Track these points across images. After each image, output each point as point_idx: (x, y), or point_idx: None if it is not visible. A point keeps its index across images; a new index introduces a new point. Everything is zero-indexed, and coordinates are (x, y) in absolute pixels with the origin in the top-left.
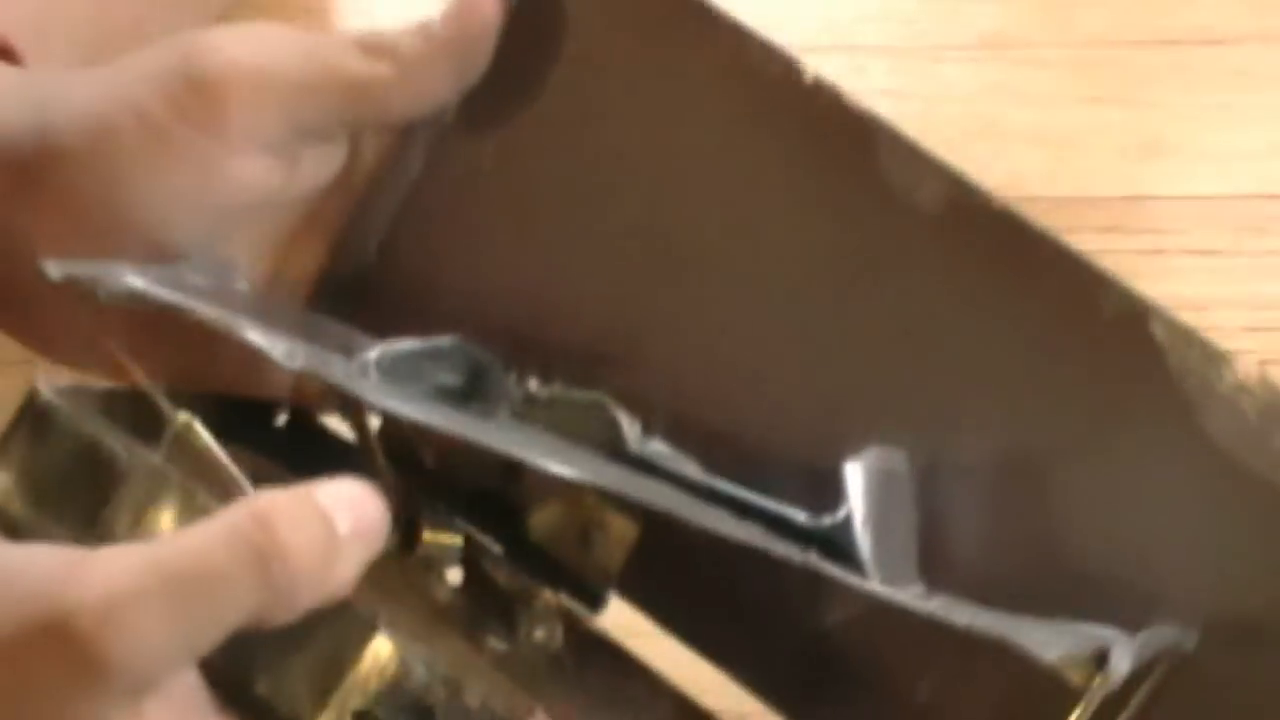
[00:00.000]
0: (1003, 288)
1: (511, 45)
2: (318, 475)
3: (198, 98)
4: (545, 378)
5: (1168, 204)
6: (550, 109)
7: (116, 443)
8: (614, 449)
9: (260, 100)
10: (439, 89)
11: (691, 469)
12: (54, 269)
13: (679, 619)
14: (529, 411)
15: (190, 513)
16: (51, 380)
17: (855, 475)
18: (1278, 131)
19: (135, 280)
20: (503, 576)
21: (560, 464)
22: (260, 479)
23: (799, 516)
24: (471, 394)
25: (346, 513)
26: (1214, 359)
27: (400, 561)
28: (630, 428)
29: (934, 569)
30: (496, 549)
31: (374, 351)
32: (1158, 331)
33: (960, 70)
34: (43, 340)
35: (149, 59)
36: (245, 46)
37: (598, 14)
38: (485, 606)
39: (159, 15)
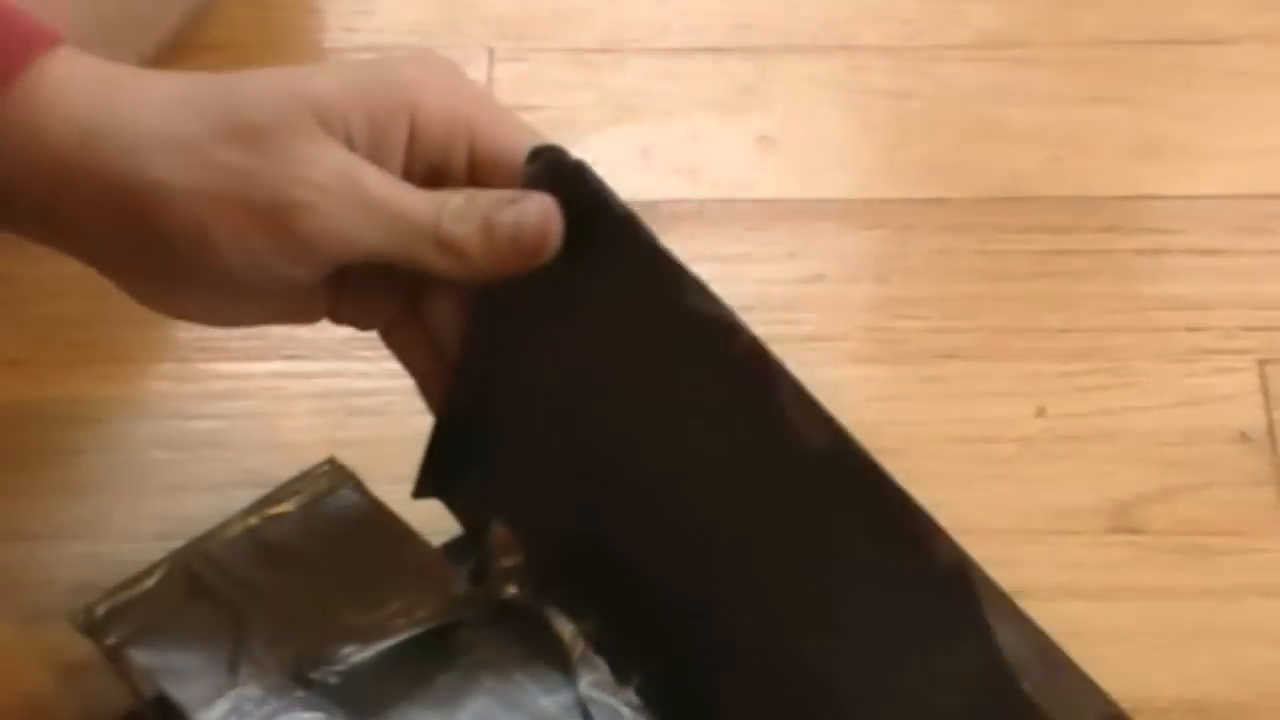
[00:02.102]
0: (861, 523)
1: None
2: None
3: (285, 230)
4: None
5: (1168, 204)
6: (538, 322)
7: None
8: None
9: (334, 255)
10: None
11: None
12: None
13: None
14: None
15: None
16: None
17: None
18: (1278, 131)
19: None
20: None
21: None
22: None
23: None
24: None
25: None
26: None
27: None
28: (572, 640)
29: None
30: None
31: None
32: (977, 583)
33: (960, 70)
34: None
35: (249, 157)
36: (336, 199)
37: (581, 245)
38: None
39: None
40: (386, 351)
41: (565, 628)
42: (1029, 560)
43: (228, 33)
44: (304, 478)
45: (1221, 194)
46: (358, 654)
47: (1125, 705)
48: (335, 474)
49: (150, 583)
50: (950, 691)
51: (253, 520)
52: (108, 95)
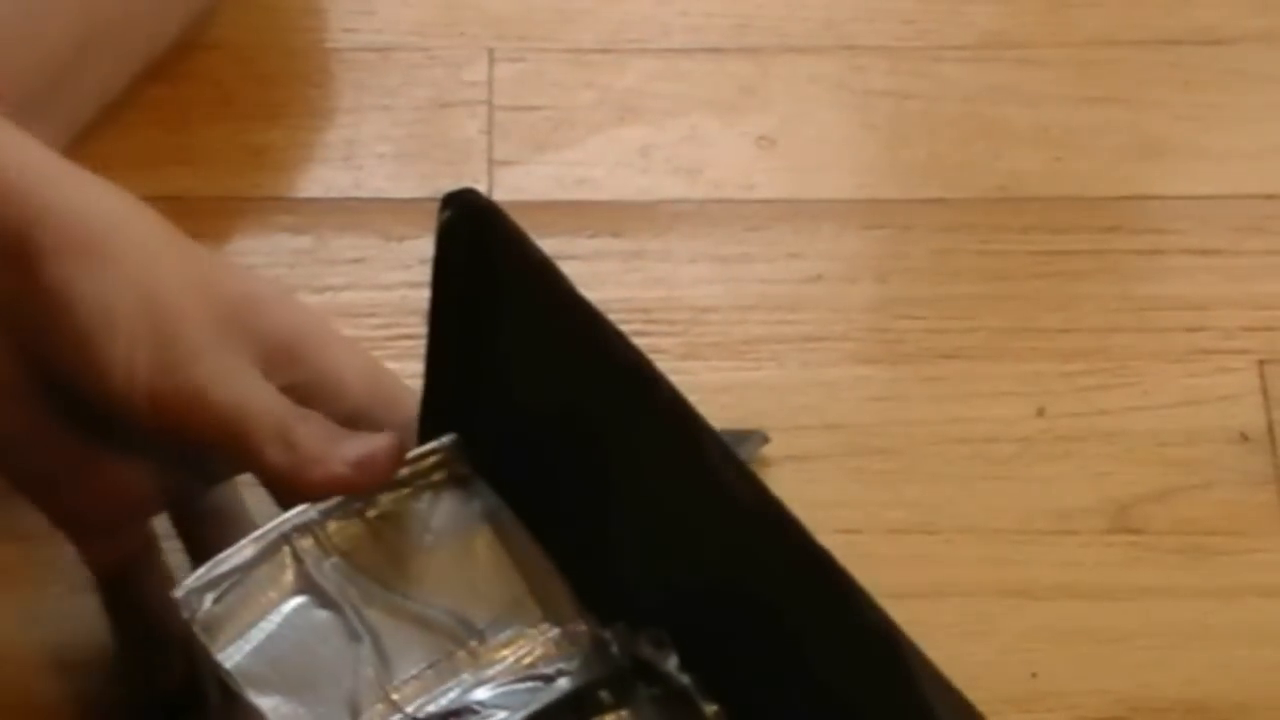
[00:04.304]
0: (791, 581)
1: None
2: None
3: (176, 363)
4: None
5: (1168, 204)
6: (478, 362)
7: None
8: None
9: (182, 429)
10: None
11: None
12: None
13: None
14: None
15: None
16: None
17: None
18: (1278, 131)
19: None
20: None
21: None
22: None
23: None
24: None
25: None
26: None
27: None
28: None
29: None
30: None
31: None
32: (905, 648)
33: (960, 70)
34: None
35: (144, 307)
36: (216, 379)
37: (499, 289)
38: None
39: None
40: (390, 352)
41: (709, 708)
42: (1029, 560)
43: (229, 33)
44: (422, 458)
45: (1221, 194)
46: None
47: (1124, 705)
48: (455, 460)
49: (255, 570)
50: None
51: (370, 510)
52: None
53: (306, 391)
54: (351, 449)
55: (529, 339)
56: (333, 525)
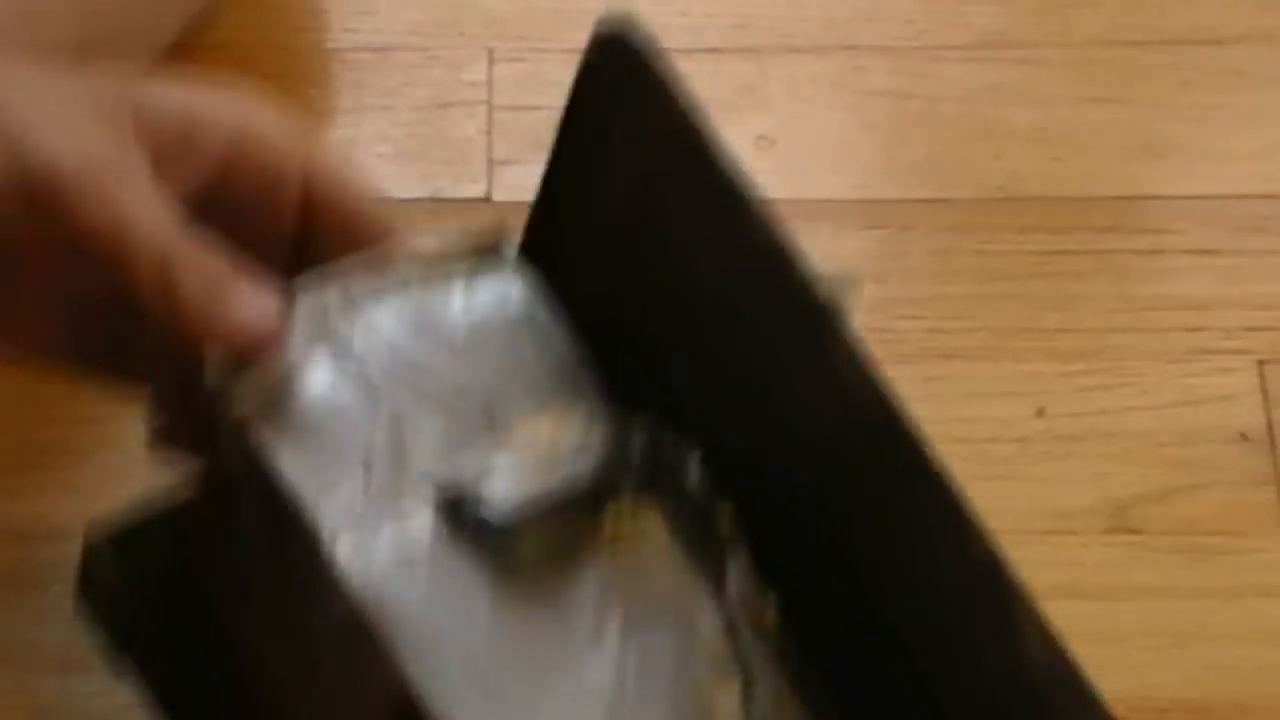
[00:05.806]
0: (886, 481)
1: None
2: None
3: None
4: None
5: (1168, 204)
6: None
7: None
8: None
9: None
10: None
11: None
12: None
13: None
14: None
15: None
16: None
17: None
18: (1278, 131)
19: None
20: None
21: None
22: None
23: None
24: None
25: None
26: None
27: None
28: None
29: None
30: None
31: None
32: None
33: (960, 70)
34: None
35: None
36: (90, 189)
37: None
38: None
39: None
40: None
41: (725, 519)
42: (1028, 560)
43: (230, 33)
44: (462, 243)
45: (1221, 194)
46: (510, 504)
47: (1123, 705)
48: (496, 249)
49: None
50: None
51: (405, 292)
52: None
53: (220, 190)
54: (238, 309)
55: (659, 194)
56: (368, 303)
